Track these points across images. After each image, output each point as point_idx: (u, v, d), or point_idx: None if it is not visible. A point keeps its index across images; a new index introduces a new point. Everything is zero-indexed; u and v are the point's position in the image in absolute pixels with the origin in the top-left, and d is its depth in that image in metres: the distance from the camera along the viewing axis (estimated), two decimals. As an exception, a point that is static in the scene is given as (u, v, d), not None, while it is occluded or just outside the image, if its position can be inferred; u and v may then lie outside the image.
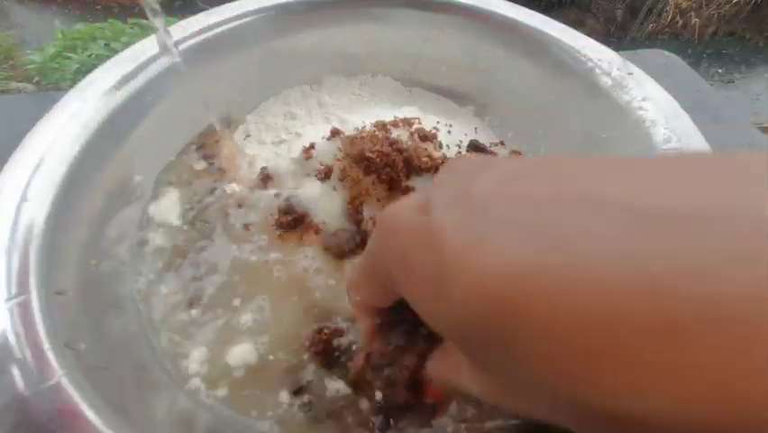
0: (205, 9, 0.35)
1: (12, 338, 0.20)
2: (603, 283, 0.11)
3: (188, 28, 0.33)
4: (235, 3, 0.35)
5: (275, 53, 0.36)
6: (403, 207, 0.16)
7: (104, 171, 0.28)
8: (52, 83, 1.26)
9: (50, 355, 0.20)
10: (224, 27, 0.34)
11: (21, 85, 1.40)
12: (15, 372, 0.19)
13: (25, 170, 0.25)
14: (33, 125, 0.27)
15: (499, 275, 0.12)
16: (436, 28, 0.37)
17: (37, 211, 0.24)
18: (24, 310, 0.21)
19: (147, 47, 0.31)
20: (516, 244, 0.12)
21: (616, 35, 2.14)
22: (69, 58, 1.23)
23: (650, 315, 0.10)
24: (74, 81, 0.28)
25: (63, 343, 0.21)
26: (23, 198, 0.24)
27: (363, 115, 0.35)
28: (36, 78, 1.36)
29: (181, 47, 0.32)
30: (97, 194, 0.27)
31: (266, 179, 0.33)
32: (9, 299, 0.21)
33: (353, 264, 0.24)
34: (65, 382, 0.19)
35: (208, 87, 0.34)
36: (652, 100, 0.31)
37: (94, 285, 0.25)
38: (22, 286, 0.21)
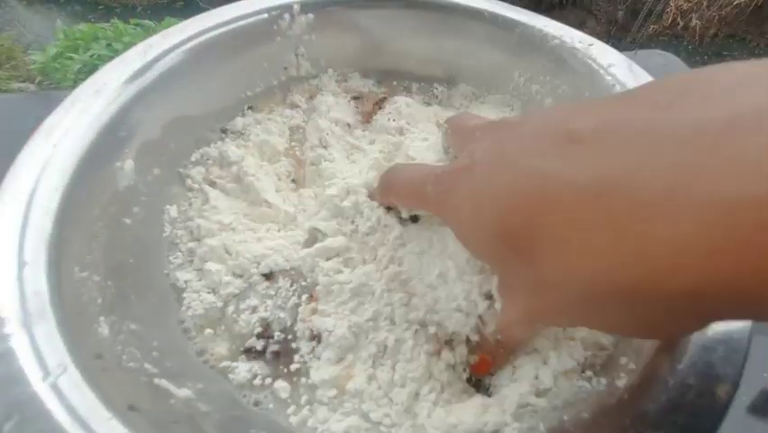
0: (207, 10, 0.35)
1: (65, 416, 0.18)
2: (570, 193, 0.16)
3: (189, 30, 0.33)
4: (236, 4, 0.35)
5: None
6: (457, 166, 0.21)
7: (107, 173, 0.28)
8: (54, 83, 1.26)
9: (117, 423, 0.18)
10: (225, 28, 0.34)
11: (23, 85, 1.40)
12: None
13: (30, 173, 0.25)
14: (35, 126, 0.26)
15: (519, 203, 0.17)
16: (401, 24, 0.38)
17: (44, 217, 0.23)
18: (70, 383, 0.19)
19: (153, 45, 0.31)
20: (528, 181, 0.17)
21: (616, 36, 2.14)
22: (71, 58, 1.23)
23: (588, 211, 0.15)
24: (76, 81, 0.28)
25: (126, 407, 0.19)
26: (29, 203, 0.24)
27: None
28: (38, 78, 1.36)
29: (182, 48, 0.32)
30: (103, 197, 0.27)
31: None
32: (46, 376, 0.19)
33: (390, 171, 0.26)
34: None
35: (212, 87, 0.34)
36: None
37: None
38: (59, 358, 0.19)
